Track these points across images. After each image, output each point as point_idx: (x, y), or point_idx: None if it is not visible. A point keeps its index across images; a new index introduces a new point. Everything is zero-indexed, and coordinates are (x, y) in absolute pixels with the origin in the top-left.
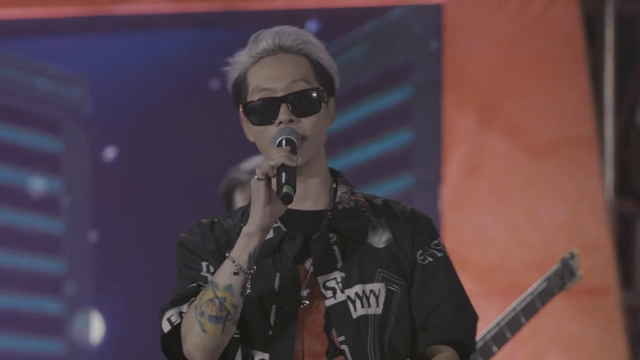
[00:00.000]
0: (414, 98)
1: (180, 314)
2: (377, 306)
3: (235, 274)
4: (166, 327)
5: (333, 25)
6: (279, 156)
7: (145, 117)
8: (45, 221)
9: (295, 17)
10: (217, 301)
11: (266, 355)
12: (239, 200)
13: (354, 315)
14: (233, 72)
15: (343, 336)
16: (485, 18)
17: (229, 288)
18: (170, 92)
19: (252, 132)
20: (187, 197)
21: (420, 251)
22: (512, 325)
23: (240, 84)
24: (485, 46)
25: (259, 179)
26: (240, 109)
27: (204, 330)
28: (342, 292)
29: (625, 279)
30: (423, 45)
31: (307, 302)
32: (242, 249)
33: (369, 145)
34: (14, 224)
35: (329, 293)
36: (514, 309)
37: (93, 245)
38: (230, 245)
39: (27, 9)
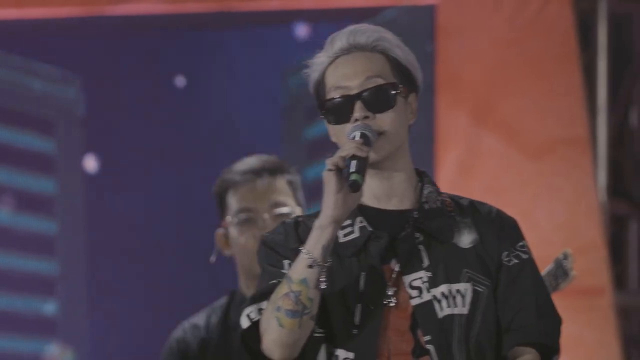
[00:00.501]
0: None
1: (260, 310)
2: (464, 306)
3: (310, 266)
4: (245, 323)
5: (326, 26)
6: (349, 147)
7: (140, 118)
8: (39, 222)
9: (289, 18)
10: (292, 295)
11: (351, 354)
12: (232, 201)
13: (440, 314)
14: (312, 74)
15: (429, 336)
16: (479, 19)
17: (303, 281)
18: (165, 93)
19: (331, 131)
20: (183, 197)
21: (506, 252)
22: None
23: (319, 85)
24: (478, 47)
25: (329, 170)
26: (320, 111)
27: (281, 325)
28: (428, 291)
29: (619, 280)
30: (417, 46)
31: (394, 300)
32: (315, 242)
33: None
34: (7, 224)
35: (415, 292)
36: None
37: (87, 245)
38: None
39: (21, 9)
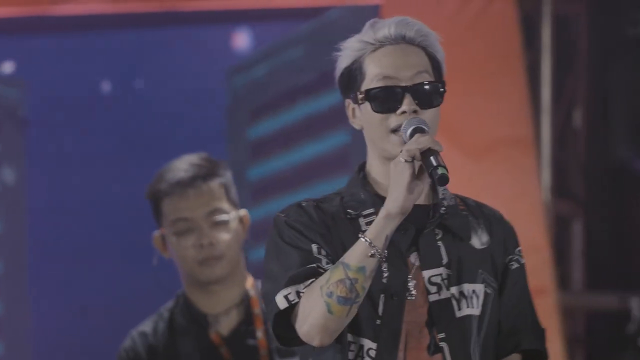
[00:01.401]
0: None
1: (298, 293)
2: (478, 307)
3: (371, 256)
4: (282, 304)
5: (270, 25)
6: (425, 139)
7: (84, 119)
8: None
9: (232, 17)
10: (348, 282)
11: (374, 345)
12: (168, 210)
13: (458, 314)
14: (345, 58)
15: (443, 334)
16: (423, 18)
17: (361, 270)
18: (108, 93)
19: (368, 119)
20: (126, 198)
21: (510, 256)
22: None
23: (356, 70)
24: None
25: (406, 161)
26: (358, 95)
27: (330, 311)
28: (448, 289)
29: (562, 280)
30: None
31: (414, 294)
32: (380, 231)
33: (306, 146)
34: None
35: (434, 289)
36: None
37: (31, 244)
38: (335, 230)
39: None
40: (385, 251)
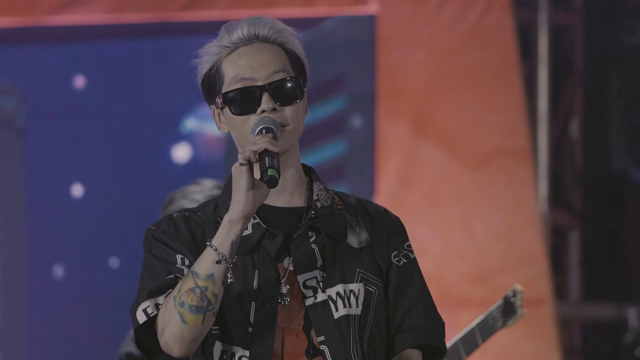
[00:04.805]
0: (348, 109)
1: (157, 305)
2: (357, 307)
3: (218, 262)
4: (141, 318)
5: None
6: (261, 141)
7: (80, 128)
8: None
9: None
10: (197, 290)
11: (247, 352)
12: None
13: (336, 315)
14: (204, 64)
15: (323, 336)
16: (419, 29)
17: (210, 277)
18: (104, 102)
19: (231, 122)
20: (125, 205)
21: (396, 252)
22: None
23: (215, 75)
24: (419, 57)
25: (241, 164)
26: (218, 100)
27: (183, 321)
28: (324, 291)
29: (559, 291)
30: (357, 56)
31: (287, 299)
32: (224, 237)
33: (303, 157)
34: None
35: (309, 292)
36: (454, 343)
37: (27, 254)
38: (203, 240)
39: None
40: (235, 257)
